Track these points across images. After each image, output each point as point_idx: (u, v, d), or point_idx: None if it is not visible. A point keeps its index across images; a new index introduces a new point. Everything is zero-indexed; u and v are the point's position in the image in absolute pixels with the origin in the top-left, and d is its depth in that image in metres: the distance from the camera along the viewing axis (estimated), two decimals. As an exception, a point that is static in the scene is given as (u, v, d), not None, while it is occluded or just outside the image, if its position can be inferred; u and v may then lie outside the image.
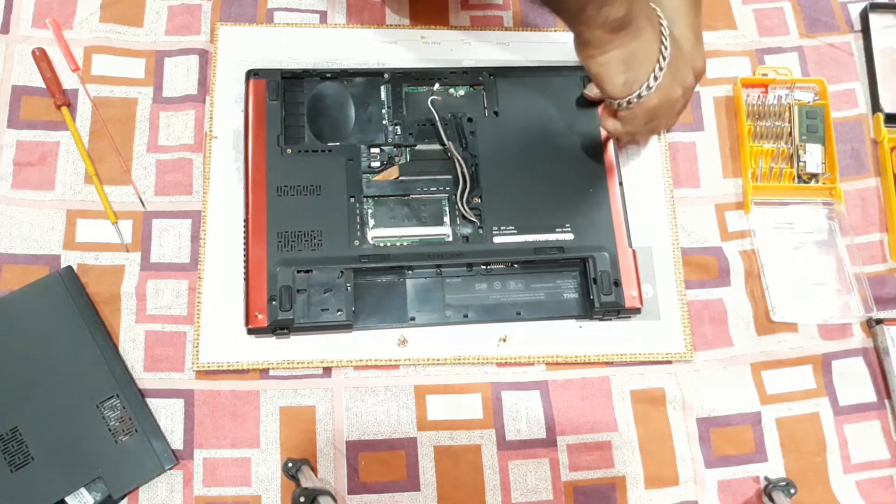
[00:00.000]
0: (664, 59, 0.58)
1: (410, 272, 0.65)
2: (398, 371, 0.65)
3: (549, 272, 0.66)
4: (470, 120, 0.69)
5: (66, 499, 0.59)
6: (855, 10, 0.80)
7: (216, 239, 0.66)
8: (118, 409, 0.61)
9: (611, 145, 0.69)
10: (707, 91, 0.76)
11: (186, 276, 0.66)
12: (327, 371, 0.64)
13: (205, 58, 0.72)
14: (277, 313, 0.61)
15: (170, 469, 0.61)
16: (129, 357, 0.64)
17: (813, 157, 0.73)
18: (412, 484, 0.62)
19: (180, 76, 0.72)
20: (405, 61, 0.73)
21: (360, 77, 0.70)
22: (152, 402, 0.62)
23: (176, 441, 0.62)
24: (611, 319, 0.66)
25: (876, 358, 0.69)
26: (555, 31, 0.76)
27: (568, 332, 0.66)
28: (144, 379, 0.63)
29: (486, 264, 0.66)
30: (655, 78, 0.58)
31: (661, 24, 0.59)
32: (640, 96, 0.59)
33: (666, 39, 0.58)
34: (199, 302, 0.64)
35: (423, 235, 0.66)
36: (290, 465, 0.61)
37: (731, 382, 0.67)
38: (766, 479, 0.64)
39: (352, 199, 0.66)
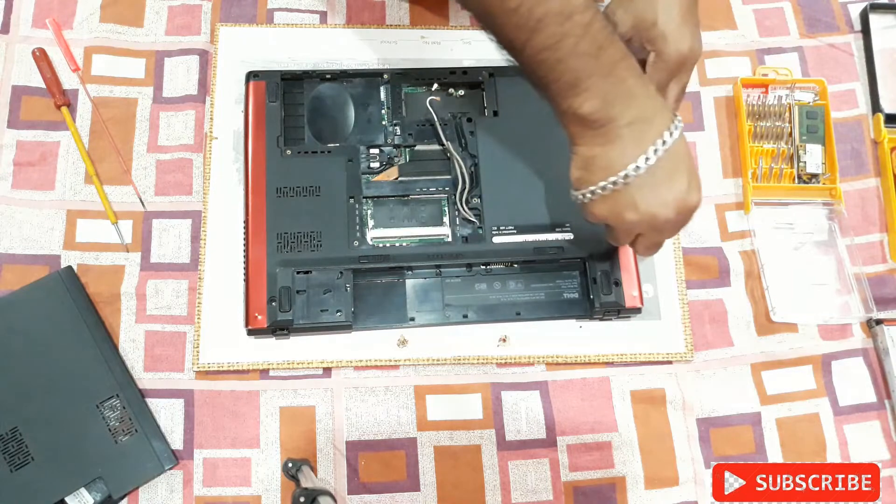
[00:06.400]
0: (625, 178, 0.50)
1: (410, 272, 0.65)
2: (398, 371, 0.65)
3: (549, 272, 0.66)
4: (469, 120, 0.69)
5: (66, 499, 0.58)
6: (855, 11, 0.80)
7: (216, 239, 0.66)
8: (118, 410, 0.61)
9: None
10: (707, 91, 0.76)
11: (186, 276, 0.66)
12: (327, 371, 0.64)
13: (205, 58, 0.72)
14: (277, 314, 0.61)
15: (170, 469, 0.61)
16: (129, 357, 0.64)
17: (813, 157, 0.73)
18: (412, 484, 0.62)
19: (180, 76, 0.72)
20: (405, 61, 0.73)
21: (360, 77, 0.70)
22: (152, 403, 0.62)
23: (176, 441, 0.62)
24: (611, 319, 0.66)
25: (876, 358, 0.68)
26: (555, 31, 0.76)
27: (568, 332, 0.66)
28: (144, 379, 0.63)
29: (486, 264, 0.66)
30: (603, 189, 0.51)
31: (655, 147, 0.49)
32: (584, 196, 0.53)
33: (646, 161, 0.49)
34: (199, 302, 0.64)
35: (422, 236, 0.66)
36: (290, 465, 0.61)
37: (731, 382, 0.67)
38: (766, 479, 0.64)
39: (351, 200, 0.66)
